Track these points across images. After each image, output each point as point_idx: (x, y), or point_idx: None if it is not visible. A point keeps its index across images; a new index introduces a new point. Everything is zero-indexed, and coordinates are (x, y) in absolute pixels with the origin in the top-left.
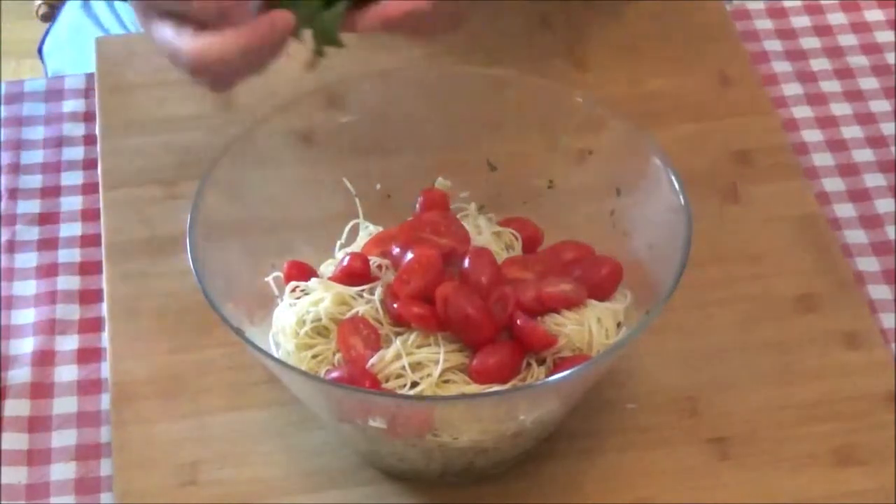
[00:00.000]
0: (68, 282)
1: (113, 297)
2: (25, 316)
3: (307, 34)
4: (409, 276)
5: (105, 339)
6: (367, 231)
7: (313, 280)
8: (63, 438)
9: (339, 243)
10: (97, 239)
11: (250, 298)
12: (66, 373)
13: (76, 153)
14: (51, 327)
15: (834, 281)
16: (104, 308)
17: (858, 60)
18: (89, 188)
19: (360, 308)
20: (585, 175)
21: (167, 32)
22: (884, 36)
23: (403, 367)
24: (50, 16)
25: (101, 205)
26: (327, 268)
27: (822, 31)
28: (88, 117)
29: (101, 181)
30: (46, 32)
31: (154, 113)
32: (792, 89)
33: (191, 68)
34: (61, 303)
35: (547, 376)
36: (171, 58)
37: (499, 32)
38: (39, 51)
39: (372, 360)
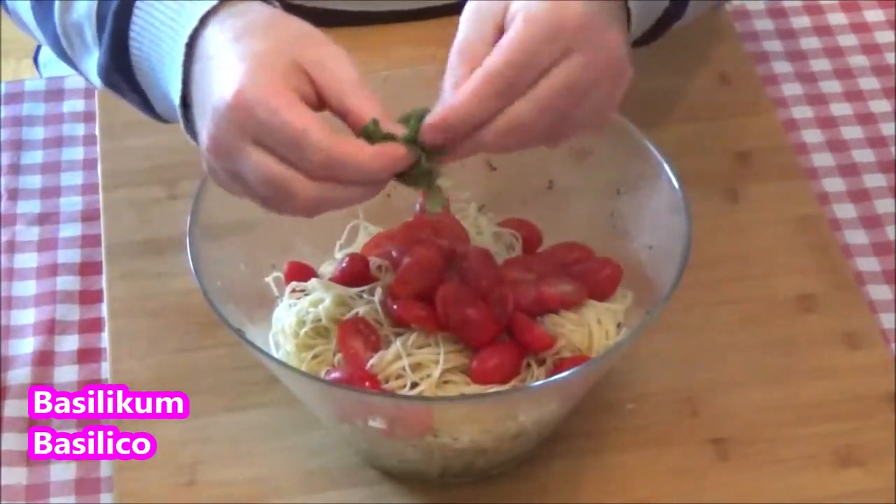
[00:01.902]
0: (68, 282)
1: (113, 297)
2: (25, 316)
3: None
4: (408, 276)
5: (105, 339)
6: (367, 231)
7: (313, 280)
8: None
9: (338, 243)
10: (97, 239)
11: (250, 298)
12: (66, 373)
13: (76, 153)
14: (51, 327)
15: (834, 281)
16: (104, 308)
17: (858, 60)
18: (89, 188)
19: (360, 309)
20: (585, 175)
21: (272, 164)
22: (884, 36)
23: (403, 368)
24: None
25: (101, 205)
26: (327, 268)
27: (822, 31)
28: (88, 117)
29: (101, 181)
30: None
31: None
32: (792, 89)
33: (304, 206)
34: (61, 303)
35: (547, 377)
36: (272, 190)
37: None
38: (35, 60)
39: (372, 361)
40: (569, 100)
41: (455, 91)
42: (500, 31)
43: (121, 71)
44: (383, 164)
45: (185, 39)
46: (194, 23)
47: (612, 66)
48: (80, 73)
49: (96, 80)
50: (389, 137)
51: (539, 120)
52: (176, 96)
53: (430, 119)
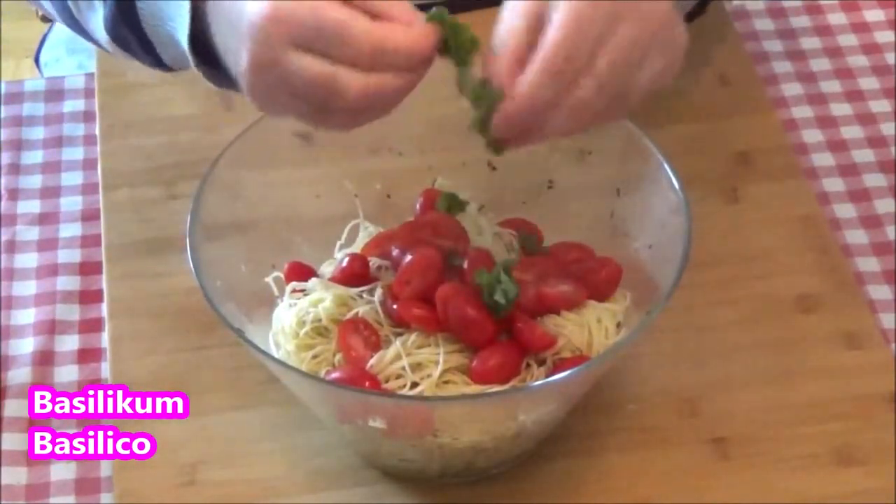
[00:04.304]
0: (68, 282)
1: (113, 297)
2: (25, 316)
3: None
4: (408, 276)
5: (105, 339)
6: (367, 231)
7: (313, 280)
8: None
9: (339, 243)
10: (97, 239)
11: (250, 298)
12: (66, 373)
13: (76, 153)
14: (51, 327)
15: (834, 281)
16: (104, 308)
17: (858, 60)
18: (89, 188)
19: (360, 309)
20: (585, 175)
21: (317, 65)
22: (884, 36)
23: (403, 368)
24: (50, 17)
25: (101, 205)
26: (327, 268)
27: (822, 31)
28: (88, 117)
29: (101, 181)
30: (43, 40)
31: (154, 113)
32: (792, 89)
33: (355, 102)
34: (61, 303)
35: (547, 377)
36: (321, 92)
37: None
38: (36, 60)
39: (372, 361)
40: (625, 73)
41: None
42: (539, 21)
43: (126, 20)
44: (425, 42)
45: None
46: None
47: (663, 34)
48: (89, 35)
49: (104, 36)
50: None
51: (600, 98)
52: (184, 39)
53: (495, 117)
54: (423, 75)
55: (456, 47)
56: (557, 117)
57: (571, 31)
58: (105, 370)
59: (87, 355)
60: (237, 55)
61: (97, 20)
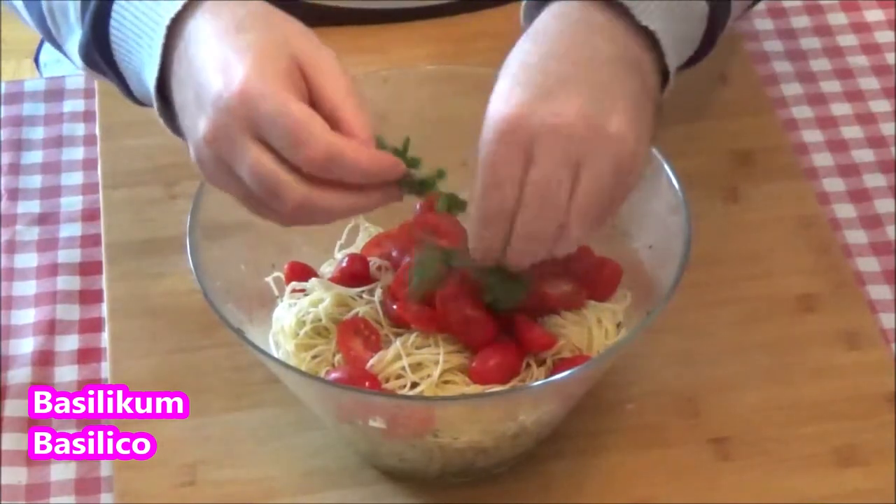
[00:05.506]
0: (68, 282)
1: (113, 297)
2: (25, 316)
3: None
4: (408, 276)
5: (105, 339)
6: (367, 232)
7: (313, 280)
8: None
9: (339, 244)
10: (97, 239)
11: (250, 298)
12: (66, 373)
13: (76, 153)
14: (51, 327)
15: (834, 281)
16: (104, 308)
17: (858, 60)
18: (89, 188)
19: (360, 309)
20: None
21: (266, 163)
22: (884, 36)
23: (403, 368)
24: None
25: (101, 205)
26: (327, 268)
27: (822, 31)
28: (88, 117)
29: (101, 181)
30: (42, 41)
31: (154, 113)
32: (792, 89)
33: (293, 210)
34: (61, 303)
35: (547, 377)
36: (262, 190)
37: (499, 31)
38: (36, 60)
39: (372, 361)
40: (553, 198)
41: None
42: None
43: (100, 49)
44: (380, 165)
45: (166, 22)
46: (178, 6)
47: (622, 174)
48: (65, 53)
49: (78, 60)
50: (397, 150)
51: (543, 225)
52: (151, 80)
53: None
54: (370, 206)
55: (413, 183)
56: (510, 253)
57: (484, 176)
58: (105, 370)
59: (87, 355)
60: (195, 120)
61: (74, 43)
